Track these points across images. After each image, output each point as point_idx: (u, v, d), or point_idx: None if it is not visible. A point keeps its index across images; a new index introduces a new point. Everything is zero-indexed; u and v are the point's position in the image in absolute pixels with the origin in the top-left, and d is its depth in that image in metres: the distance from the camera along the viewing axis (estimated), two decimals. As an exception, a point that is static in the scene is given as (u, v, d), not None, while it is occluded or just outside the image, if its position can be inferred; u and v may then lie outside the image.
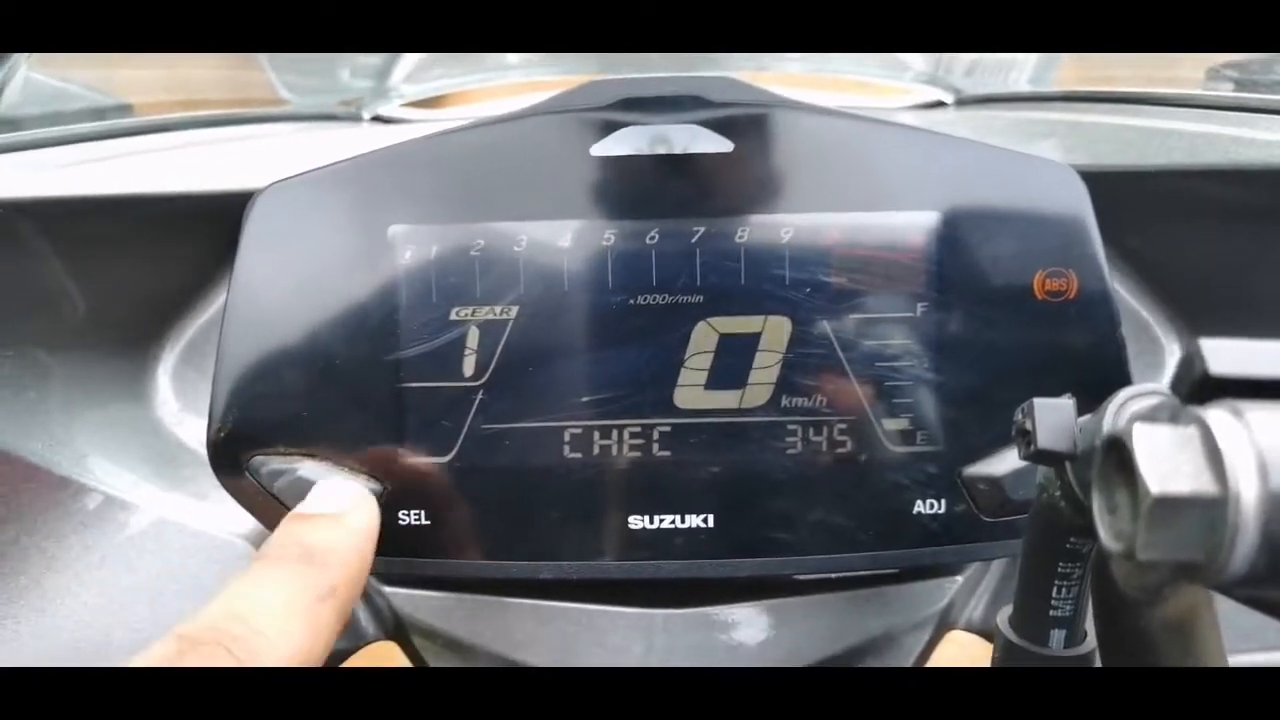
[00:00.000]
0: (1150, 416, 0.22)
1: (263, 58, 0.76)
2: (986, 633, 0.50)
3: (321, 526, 0.36)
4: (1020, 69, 0.78)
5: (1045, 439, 0.28)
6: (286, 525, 0.36)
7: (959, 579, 0.49)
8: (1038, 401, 0.28)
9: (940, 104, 0.71)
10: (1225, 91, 0.55)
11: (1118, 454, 0.22)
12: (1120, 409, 0.26)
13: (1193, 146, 0.45)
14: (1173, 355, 0.52)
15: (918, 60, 0.79)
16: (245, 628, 0.30)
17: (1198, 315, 0.51)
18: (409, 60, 0.79)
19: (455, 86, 0.78)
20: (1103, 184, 0.41)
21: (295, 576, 0.33)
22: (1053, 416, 0.28)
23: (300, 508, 0.38)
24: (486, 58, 0.77)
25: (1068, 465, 0.29)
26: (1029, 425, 0.29)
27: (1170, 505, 0.19)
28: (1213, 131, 0.46)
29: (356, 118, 0.70)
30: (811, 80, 0.82)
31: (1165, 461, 0.20)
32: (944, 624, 0.49)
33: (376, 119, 0.70)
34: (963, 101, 0.70)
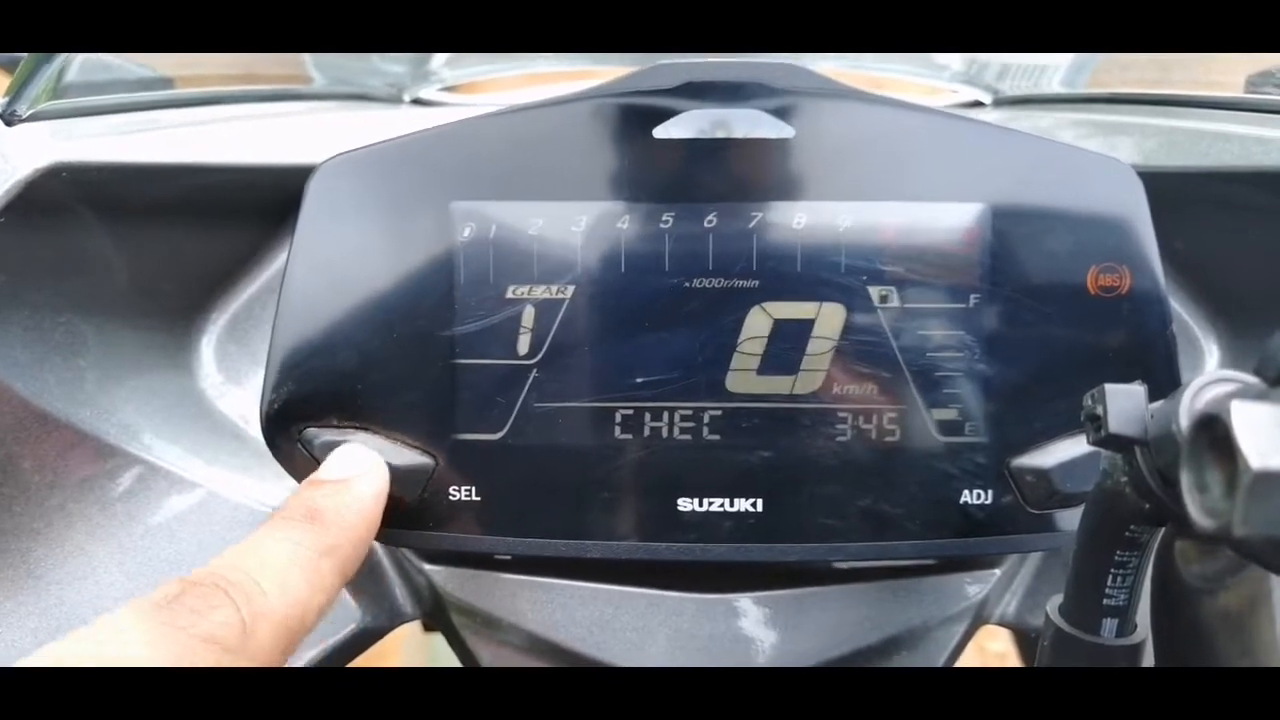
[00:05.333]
0: (1239, 397, 0.22)
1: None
2: (1020, 628, 0.51)
3: (330, 490, 0.38)
4: (1053, 71, 0.78)
5: (1116, 424, 0.29)
6: (300, 489, 0.39)
7: (996, 572, 0.49)
8: (1109, 387, 0.29)
9: (978, 104, 0.72)
10: (1268, 94, 0.55)
11: (1211, 432, 0.22)
12: (1199, 393, 0.26)
13: (1244, 149, 0.46)
14: (1211, 356, 0.53)
15: (955, 60, 0.79)
16: (244, 576, 0.32)
17: (1238, 317, 0.52)
18: (448, 45, 0.79)
19: (494, 73, 0.79)
20: (1149, 184, 0.41)
21: (299, 534, 0.35)
22: (1124, 402, 0.29)
23: (315, 474, 0.39)
24: (524, 45, 0.77)
25: (1138, 451, 0.29)
26: (1100, 410, 0.29)
27: (1272, 480, 0.20)
28: (1266, 135, 0.46)
29: (396, 99, 0.71)
30: (849, 79, 0.82)
31: (1265, 438, 0.20)
32: (979, 618, 0.49)
33: (416, 101, 0.70)
34: (1000, 102, 0.71)
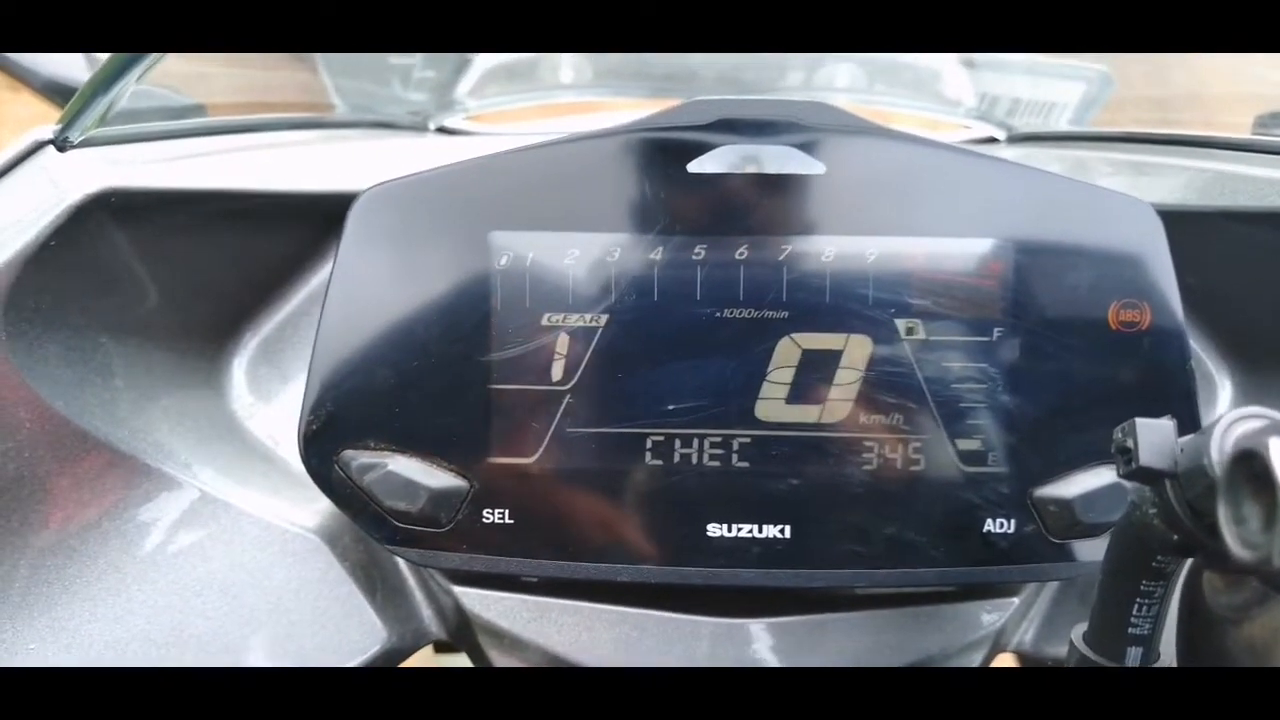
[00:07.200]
0: (1276, 433, 0.23)
1: (320, 67, 0.78)
2: (1037, 658, 0.51)
3: None
4: (1062, 108, 0.80)
5: (1147, 457, 0.29)
6: None
7: (1014, 601, 0.50)
8: (1139, 421, 0.30)
9: (992, 140, 0.73)
10: (1278, 136, 0.57)
11: (1250, 466, 0.23)
12: (1230, 428, 0.27)
13: (1257, 190, 0.47)
14: (1224, 390, 0.54)
15: (968, 97, 0.81)
16: None
17: (1251, 354, 0.53)
18: (472, 75, 0.81)
19: (518, 103, 0.80)
20: (1166, 222, 0.42)
21: None
22: (1155, 435, 0.30)
23: None
24: (546, 77, 0.79)
25: (1167, 483, 0.30)
26: (1130, 444, 0.30)
27: (1311, 514, 0.21)
28: (1278, 176, 0.47)
29: (422, 128, 0.72)
30: (863, 114, 0.84)
31: (1304, 473, 0.21)
32: (997, 646, 0.50)
33: (441, 130, 0.72)
34: (1014, 138, 0.72)
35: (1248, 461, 0.23)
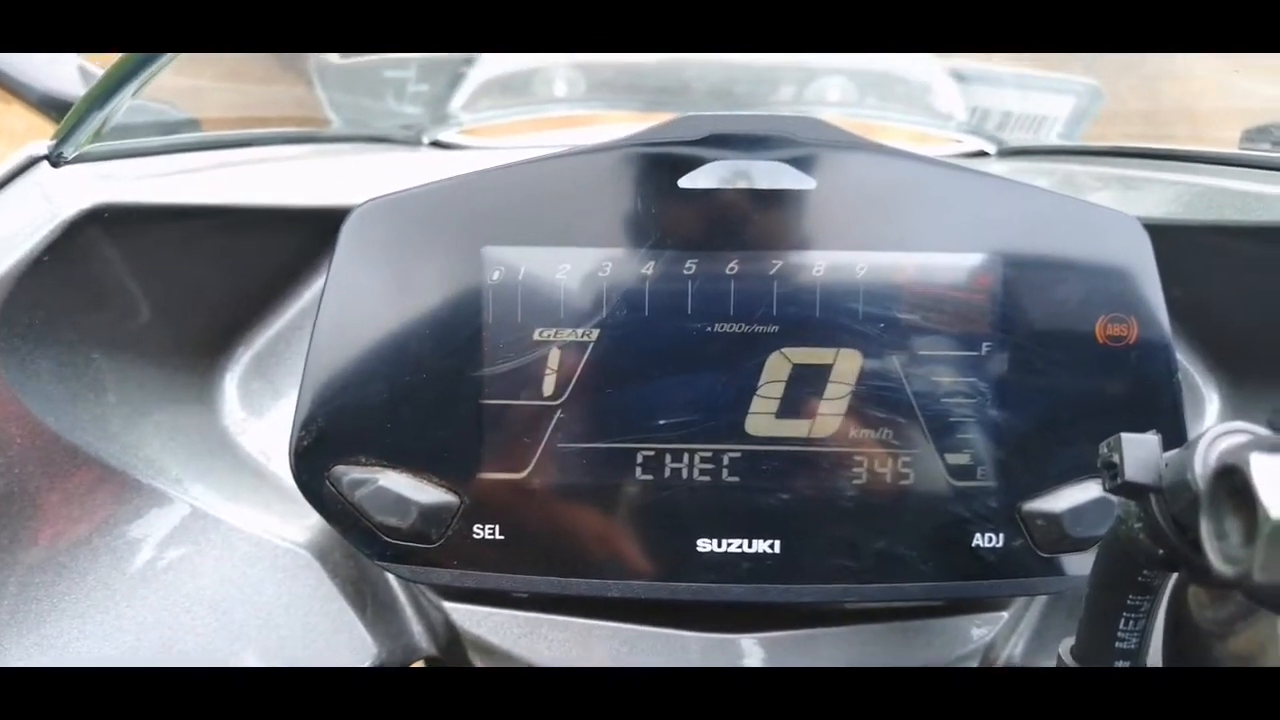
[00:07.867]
0: (1257, 449, 0.24)
1: (315, 81, 0.79)
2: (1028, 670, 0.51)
3: None
4: (1052, 122, 0.80)
5: (1132, 471, 0.30)
6: None
7: (1003, 615, 0.50)
8: (1125, 436, 0.30)
9: (983, 154, 0.74)
10: (1264, 151, 0.57)
11: (1231, 481, 0.23)
12: (1214, 443, 0.27)
13: (1244, 204, 0.47)
14: (1211, 403, 0.54)
15: (959, 111, 0.81)
16: None
17: (1238, 367, 0.53)
18: (466, 89, 0.81)
19: (511, 116, 0.80)
20: (1152, 237, 0.43)
21: None
22: (1140, 450, 0.30)
23: None
24: (539, 91, 0.79)
25: (1152, 498, 0.30)
26: (1115, 458, 0.30)
27: (1291, 530, 0.21)
28: (1264, 191, 0.47)
29: (415, 142, 0.72)
30: (854, 128, 0.85)
31: (1284, 489, 0.21)
32: (986, 660, 0.50)
33: (435, 144, 0.72)
34: (1004, 152, 0.72)
35: (1229, 476, 0.23)
